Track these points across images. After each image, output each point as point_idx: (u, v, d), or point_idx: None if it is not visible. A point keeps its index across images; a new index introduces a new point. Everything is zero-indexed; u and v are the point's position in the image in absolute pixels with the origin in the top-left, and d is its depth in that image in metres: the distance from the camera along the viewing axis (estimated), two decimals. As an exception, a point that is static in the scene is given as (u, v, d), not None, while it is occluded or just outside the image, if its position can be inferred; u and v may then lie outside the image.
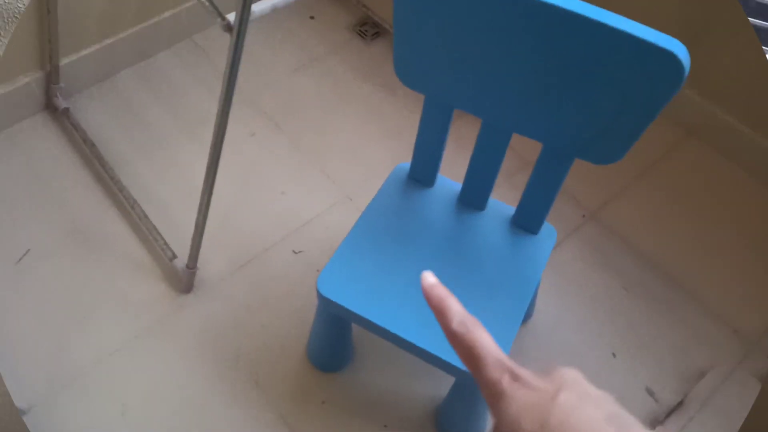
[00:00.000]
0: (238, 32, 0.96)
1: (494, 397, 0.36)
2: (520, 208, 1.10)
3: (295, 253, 1.44)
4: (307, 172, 1.58)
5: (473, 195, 1.13)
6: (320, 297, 1.04)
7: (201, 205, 1.21)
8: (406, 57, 0.97)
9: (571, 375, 0.36)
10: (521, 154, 1.64)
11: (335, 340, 1.22)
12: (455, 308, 0.39)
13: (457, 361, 0.97)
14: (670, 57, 0.77)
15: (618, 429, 0.32)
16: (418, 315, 1.02)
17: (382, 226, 1.11)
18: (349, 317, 1.04)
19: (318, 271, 1.41)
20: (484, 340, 0.38)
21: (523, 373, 0.36)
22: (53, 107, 1.62)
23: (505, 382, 0.36)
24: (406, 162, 1.19)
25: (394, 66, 0.99)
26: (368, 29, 1.89)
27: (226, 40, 1.00)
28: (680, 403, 1.27)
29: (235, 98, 1.71)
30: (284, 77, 1.77)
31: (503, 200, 1.58)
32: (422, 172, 1.15)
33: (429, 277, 0.41)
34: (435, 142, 1.09)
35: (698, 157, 1.68)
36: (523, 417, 0.34)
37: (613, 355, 1.34)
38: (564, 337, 1.36)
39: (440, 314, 0.39)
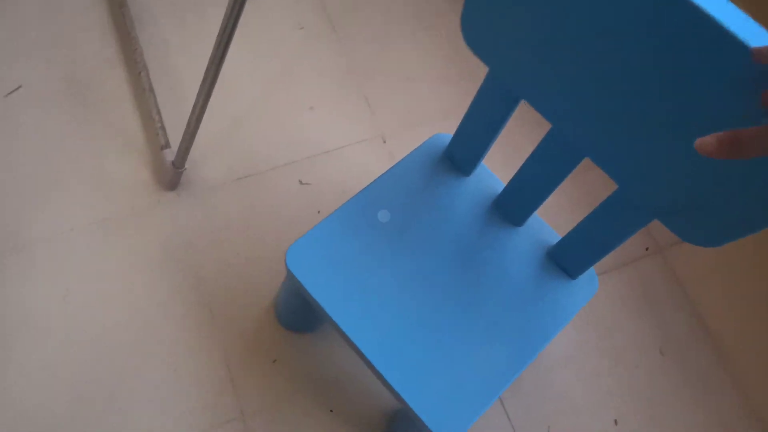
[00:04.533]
0: None
1: None
2: (563, 244, 0.86)
3: (302, 183, 1.24)
4: (347, 91, 1.34)
5: (513, 205, 0.89)
6: (287, 269, 0.85)
7: (198, 98, 1.00)
8: (478, 12, 0.70)
9: None
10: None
11: (301, 308, 1.05)
12: None
13: (409, 398, 0.78)
14: None
15: None
16: (388, 331, 0.82)
17: (390, 206, 0.89)
18: (311, 302, 0.86)
19: (319, 212, 1.22)
20: None
21: None
22: (94, -74, 1.39)
23: None
24: (450, 131, 0.94)
25: (461, 20, 0.72)
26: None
27: None
28: (668, 506, 1.08)
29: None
30: (362, -33, 1.48)
31: (558, 197, 1.32)
32: (461, 155, 0.91)
33: None
34: (485, 129, 0.84)
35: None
36: None
37: (615, 422, 1.13)
38: (567, 386, 1.15)
39: None
